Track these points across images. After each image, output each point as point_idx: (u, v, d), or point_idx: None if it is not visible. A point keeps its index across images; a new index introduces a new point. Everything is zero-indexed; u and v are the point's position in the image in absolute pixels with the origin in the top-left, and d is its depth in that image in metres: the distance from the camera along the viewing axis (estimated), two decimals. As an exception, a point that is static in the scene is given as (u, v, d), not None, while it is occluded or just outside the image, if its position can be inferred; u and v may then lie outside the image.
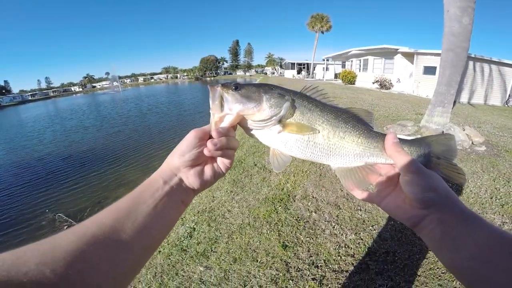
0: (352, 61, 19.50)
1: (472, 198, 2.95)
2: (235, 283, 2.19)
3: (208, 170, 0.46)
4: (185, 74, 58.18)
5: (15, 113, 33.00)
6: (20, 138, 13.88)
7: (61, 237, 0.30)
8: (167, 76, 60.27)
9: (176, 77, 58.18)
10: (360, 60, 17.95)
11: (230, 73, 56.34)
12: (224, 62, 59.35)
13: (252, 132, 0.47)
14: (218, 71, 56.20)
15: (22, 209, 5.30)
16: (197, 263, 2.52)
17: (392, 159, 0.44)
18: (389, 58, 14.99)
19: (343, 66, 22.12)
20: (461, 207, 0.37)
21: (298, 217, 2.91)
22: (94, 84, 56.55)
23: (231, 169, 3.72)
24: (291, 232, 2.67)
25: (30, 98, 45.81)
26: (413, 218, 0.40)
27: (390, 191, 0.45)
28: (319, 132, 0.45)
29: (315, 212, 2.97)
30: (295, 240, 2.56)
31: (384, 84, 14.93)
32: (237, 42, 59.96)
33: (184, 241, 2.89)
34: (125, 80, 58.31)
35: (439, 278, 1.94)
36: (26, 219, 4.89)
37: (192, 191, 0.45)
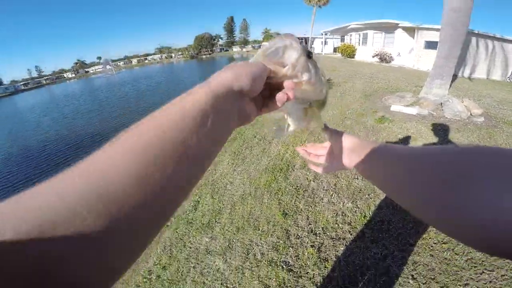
0: (351, 35, 18.84)
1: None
2: (238, 251, 2.34)
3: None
4: (180, 53, 56.54)
5: (11, 104, 32.43)
6: (19, 127, 13.83)
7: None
8: (161, 56, 58.61)
9: (171, 57, 56.68)
10: (359, 34, 17.35)
11: (226, 50, 54.89)
12: (220, 39, 57.79)
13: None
14: (214, 48, 54.79)
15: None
16: (203, 234, 2.66)
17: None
18: (389, 33, 14.54)
19: (342, 40, 21.34)
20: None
21: (297, 186, 3.00)
22: (86, 69, 55.03)
23: (231, 141, 3.77)
24: (291, 201, 2.77)
25: (23, 87, 44.73)
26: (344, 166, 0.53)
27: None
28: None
29: (314, 181, 3.06)
30: (295, 208, 2.66)
31: (384, 58, 14.55)
32: (232, 18, 57.90)
33: (189, 214, 3.03)
34: (118, 63, 56.54)
35: (431, 248, 2.02)
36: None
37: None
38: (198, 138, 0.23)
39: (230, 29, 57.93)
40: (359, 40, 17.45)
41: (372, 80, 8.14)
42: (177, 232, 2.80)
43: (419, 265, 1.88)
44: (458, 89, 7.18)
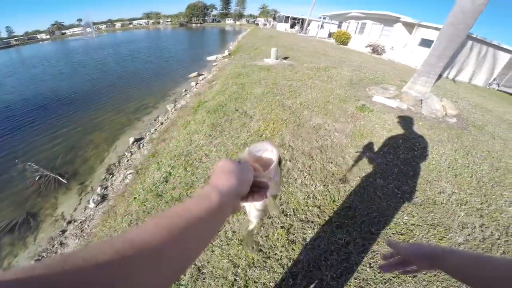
0: (350, 22, 18.47)
1: (433, 164, 3.16)
2: None
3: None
4: (168, 20, 53.06)
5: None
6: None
7: None
8: (147, 21, 54.66)
9: (158, 23, 53.08)
10: (358, 23, 17.05)
11: (219, 21, 52.49)
12: (214, 10, 55.14)
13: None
14: (206, 18, 52.11)
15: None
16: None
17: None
18: (388, 25, 14.45)
19: (339, 26, 20.90)
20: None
21: None
22: (64, 31, 50.09)
23: (211, 113, 3.67)
24: None
25: None
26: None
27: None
28: None
29: (290, 161, 3.06)
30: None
31: (376, 50, 14.54)
32: None
33: (159, 186, 2.92)
34: (100, 26, 52.00)
35: (389, 238, 2.11)
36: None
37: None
38: (205, 228, 0.35)
39: (226, 0, 55.60)
40: (356, 29, 17.20)
41: (360, 69, 8.14)
42: (144, 205, 2.73)
43: (377, 254, 1.97)
44: (439, 89, 7.40)
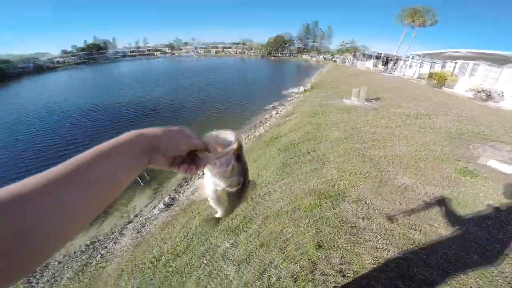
0: (446, 62, 16.34)
1: None
2: (254, 268, 2.22)
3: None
4: (252, 51, 59.71)
5: (117, 67, 39.45)
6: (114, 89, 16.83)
7: None
8: (236, 51, 62.95)
9: (244, 53, 60.24)
10: (455, 63, 14.92)
11: (295, 55, 55.50)
12: (293, 44, 58.87)
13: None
14: (284, 52, 55.95)
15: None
16: (226, 238, 2.64)
17: None
18: (495, 66, 12.05)
19: (432, 67, 18.72)
20: None
21: (343, 220, 2.73)
22: (173, 52, 63.42)
23: (282, 151, 3.75)
24: (330, 234, 2.53)
25: (129, 54, 54.64)
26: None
27: None
28: None
29: (363, 220, 2.73)
30: (332, 243, 2.43)
31: (481, 95, 12.12)
32: (308, 25, 58.79)
33: None
34: (199, 51, 63.28)
35: None
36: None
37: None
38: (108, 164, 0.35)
39: (304, 35, 58.37)
40: (454, 69, 15.04)
41: (461, 119, 6.84)
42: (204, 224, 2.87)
43: None
44: None
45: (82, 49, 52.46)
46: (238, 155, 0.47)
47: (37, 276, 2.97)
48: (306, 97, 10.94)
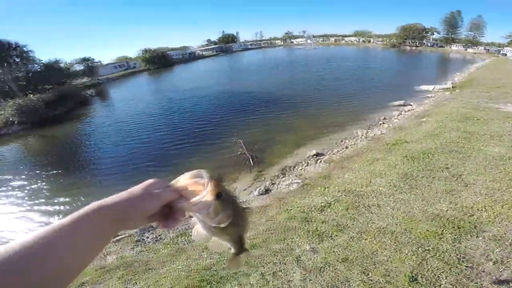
0: None
1: None
2: (324, 281, 1.98)
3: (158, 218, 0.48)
4: (379, 39, 51.66)
5: (243, 56, 45.35)
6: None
7: None
8: (358, 39, 56.74)
9: (369, 41, 53.27)
10: None
11: (441, 46, 43.80)
12: (434, 33, 46.73)
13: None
14: (424, 41, 45.33)
15: (219, 132, 7.79)
16: (309, 239, 2.43)
17: None
18: None
19: None
20: None
21: (463, 258, 2.10)
22: (292, 40, 65.25)
23: (409, 159, 3.06)
24: (436, 269, 2.01)
25: (250, 46, 61.35)
26: None
27: None
28: None
29: (494, 263, 1.99)
30: (434, 280, 1.93)
31: None
32: (459, 12, 44.67)
33: (313, 212, 2.81)
34: (318, 39, 61.88)
35: None
36: (221, 137, 6.95)
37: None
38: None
39: (452, 24, 44.99)
40: None
41: None
42: (289, 221, 2.90)
43: None
44: None
45: (215, 43, 63.48)
46: (218, 193, 0.46)
47: (147, 234, 3.60)
48: (454, 95, 8.48)
